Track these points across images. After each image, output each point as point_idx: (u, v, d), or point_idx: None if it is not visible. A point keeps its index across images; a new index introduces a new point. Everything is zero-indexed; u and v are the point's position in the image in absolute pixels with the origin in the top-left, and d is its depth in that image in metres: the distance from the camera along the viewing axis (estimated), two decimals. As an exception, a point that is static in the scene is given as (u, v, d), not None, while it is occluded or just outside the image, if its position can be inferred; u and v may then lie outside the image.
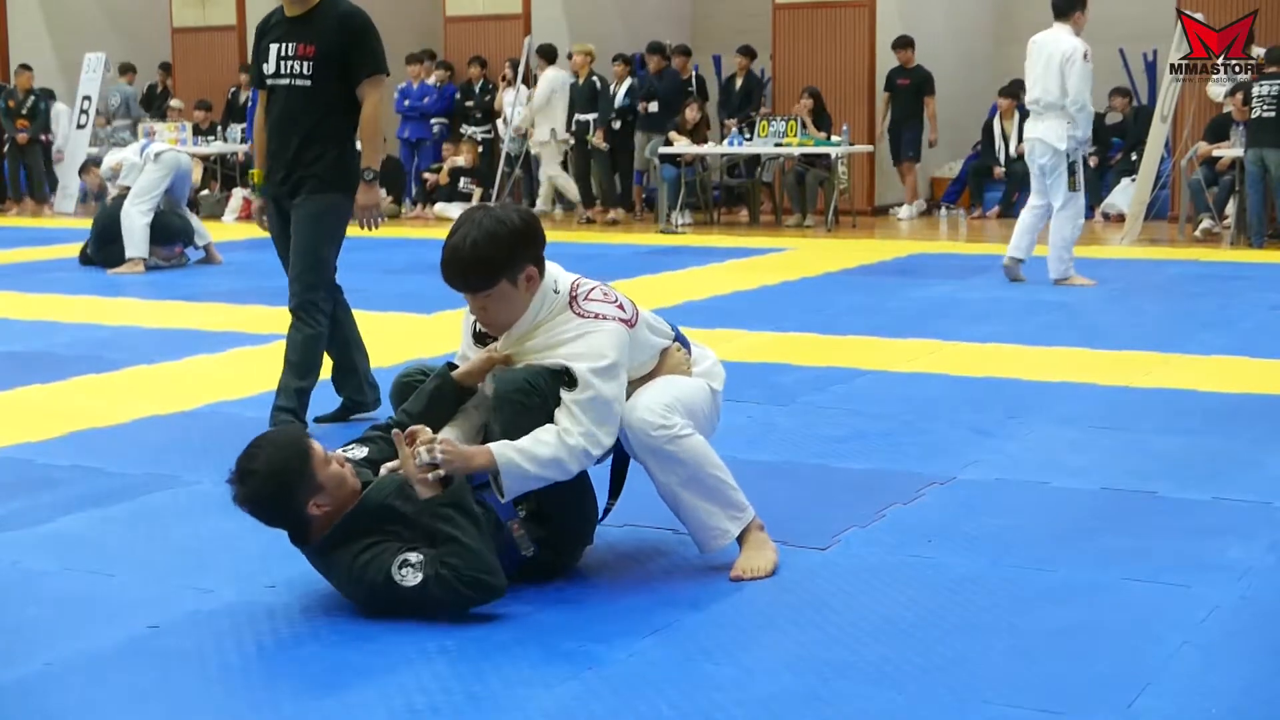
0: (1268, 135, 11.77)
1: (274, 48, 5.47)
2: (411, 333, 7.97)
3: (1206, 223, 12.82)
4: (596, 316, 3.71)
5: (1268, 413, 5.75)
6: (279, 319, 8.49)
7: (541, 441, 3.58)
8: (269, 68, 5.49)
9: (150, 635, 3.48)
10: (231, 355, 7.32)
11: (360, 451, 3.82)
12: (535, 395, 3.62)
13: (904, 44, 14.88)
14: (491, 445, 3.59)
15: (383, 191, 15.85)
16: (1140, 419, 5.67)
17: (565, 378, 3.62)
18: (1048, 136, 9.57)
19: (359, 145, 5.55)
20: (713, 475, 3.79)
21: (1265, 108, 11.76)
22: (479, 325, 3.86)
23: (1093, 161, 11.79)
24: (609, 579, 3.82)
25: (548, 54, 15.27)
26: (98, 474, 5.03)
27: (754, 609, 3.61)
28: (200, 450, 5.32)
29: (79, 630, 3.52)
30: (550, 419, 3.62)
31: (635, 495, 3.98)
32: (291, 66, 5.43)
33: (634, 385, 3.79)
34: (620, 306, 3.78)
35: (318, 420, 5.63)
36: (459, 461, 3.55)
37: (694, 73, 15.34)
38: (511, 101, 15.59)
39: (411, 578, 3.47)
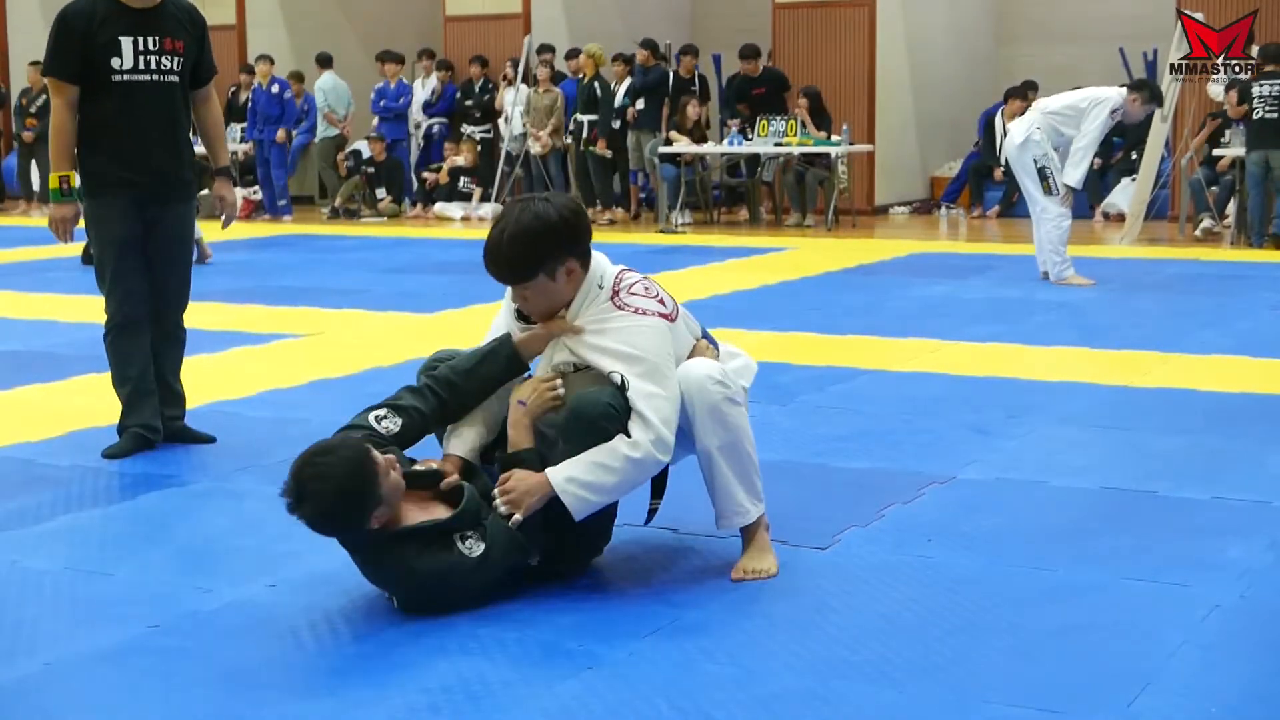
0: (1271, 137, 11.70)
1: (126, 40, 5.04)
2: (411, 333, 7.97)
3: (1207, 222, 12.81)
4: (638, 311, 3.70)
5: (1268, 413, 5.75)
6: (279, 319, 8.51)
7: (607, 468, 3.55)
8: (122, 62, 5.04)
9: (150, 635, 3.48)
10: (231, 355, 7.33)
11: (394, 422, 3.70)
12: (617, 421, 3.58)
13: (750, 54, 14.69)
14: (551, 477, 3.57)
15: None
16: (1140, 419, 5.67)
17: (622, 385, 3.61)
18: (1012, 129, 9.84)
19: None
20: (748, 452, 3.80)
21: (1267, 109, 11.68)
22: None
23: (1097, 163, 11.79)
24: (609, 579, 3.82)
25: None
26: (98, 474, 5.03)
27: (754, 609, 3.60)
28: (200, 450, 5.32)
29: (79, 630, 3.52)
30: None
31: (636, 494, 3.98)
32: (160, 62, 5.10)
33: None
34: (661, 301, 3.78)
35: (107, 454, 5.18)
36: (525, 504, 3.57)
37: (696, 72, 15.33)
38: (512, 101, 15.60)
39: (475, 547, 3.52)
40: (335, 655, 3.35)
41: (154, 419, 5.32)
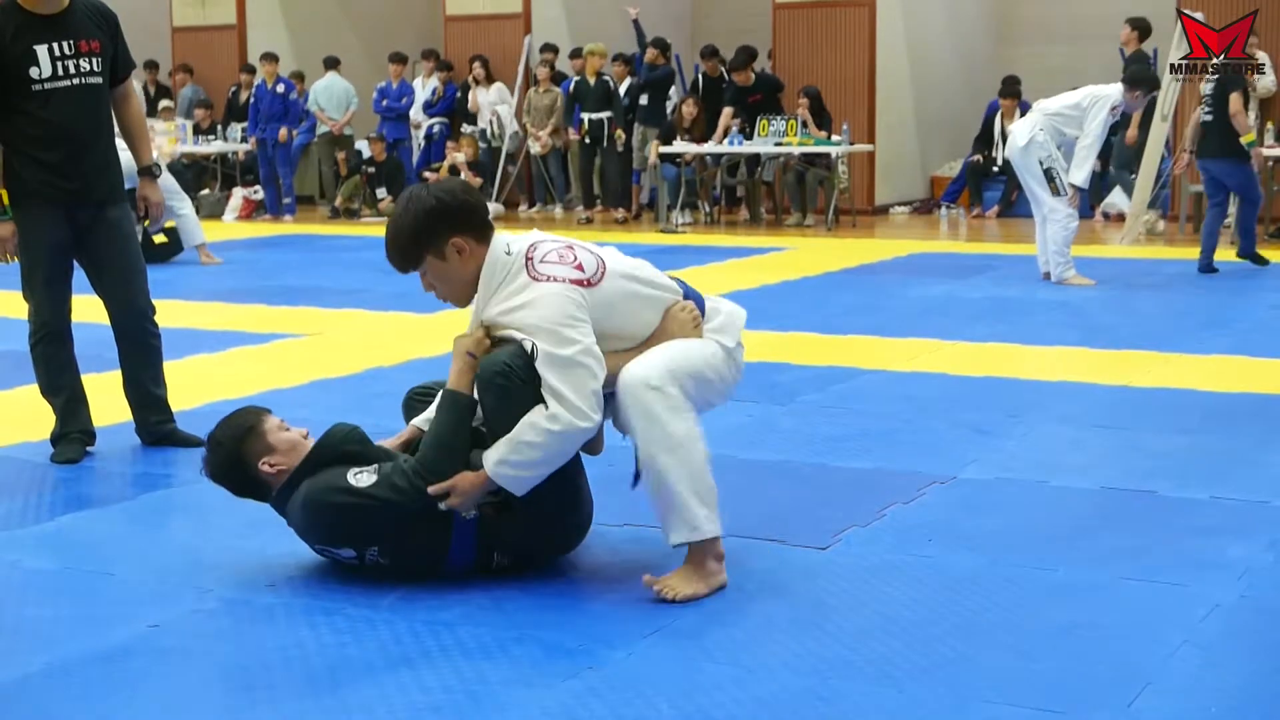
0: (1205, 142, 10.19)
1: (42, 49, 4.96)
2: (411, 333, 7.97)
3: (1147, 216, 12.55)
4: (549, 279, 3.61)
5: (1268, 412, 5.75)
6: (279, 319, 8.51)
7: (531, 444, 3.54)
8: (41, 71, 4.96)
9: (150, 635, 3.48)
10: (231, 355, 7.33)
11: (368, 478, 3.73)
12: (515, 377, 3.55)
13: (741, 64, 14.53)
14: (485, 462, 3.59)
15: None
16: (1140, 419, 5.67)
17: (532, 351, 3.56)
18: (1015, 132, 9.86)
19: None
20: (695, 460, 3.60)
21: (1205, 110, 10.20)
22: None
23: (1097, 164, 11.61)
24: (609, 579, 3.82)
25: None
26: (98, 474, 5.03)
27: (754, 609, 3.60)
28: (200, 450, 5.30)
29: (79, 630, 3.52)
30: (537, 396, 3.55)
31: (635, 494, 3.98)
32: (79, 65, 5.02)
33: (637, 349, 3.68)
34: (579, 266, 3.65)
35: (58, 460, 5.15)
36: (462, 499, 3.65)
37: (722, 71, 15.30)
38: (486, 101, 15.67)
39: (366, 479, 3.67)
40: (335, 655, 3.35)
41: (89, 424, 5.32)
